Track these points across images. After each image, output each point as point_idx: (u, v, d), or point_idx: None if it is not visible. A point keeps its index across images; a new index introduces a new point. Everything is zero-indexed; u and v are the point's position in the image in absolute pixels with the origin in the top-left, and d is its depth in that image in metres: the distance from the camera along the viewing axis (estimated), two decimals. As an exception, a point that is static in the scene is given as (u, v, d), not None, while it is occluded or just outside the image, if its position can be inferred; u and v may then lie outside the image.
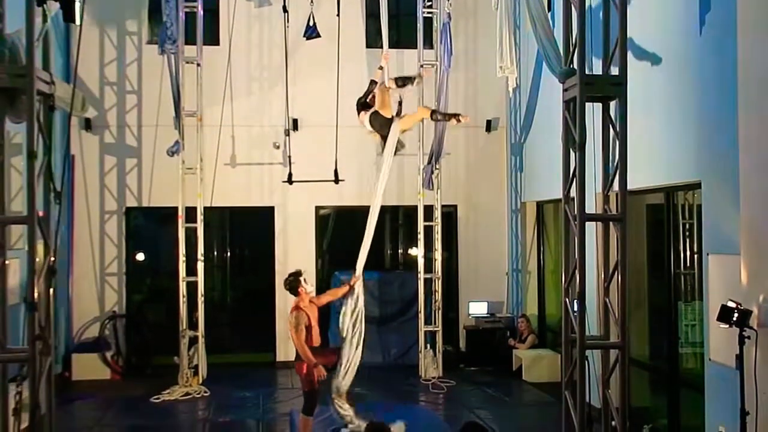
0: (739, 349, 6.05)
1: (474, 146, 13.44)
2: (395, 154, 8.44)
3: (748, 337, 6.02)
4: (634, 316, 8.87)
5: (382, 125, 8.34)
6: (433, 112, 8.81)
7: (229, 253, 13.63)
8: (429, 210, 12.22)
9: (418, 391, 11.21)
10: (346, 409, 8.17)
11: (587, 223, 6.81)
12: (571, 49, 6.94)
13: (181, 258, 11.38)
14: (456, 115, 8.67)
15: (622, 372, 6.76)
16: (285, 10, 11.32)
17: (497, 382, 11.61)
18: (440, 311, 12.17)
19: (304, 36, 11.12)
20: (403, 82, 8.64)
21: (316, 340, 7.98)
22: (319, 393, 8.02)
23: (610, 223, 7.10)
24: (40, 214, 6.43)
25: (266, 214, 12.94)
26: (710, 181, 7.18)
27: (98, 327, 12.19)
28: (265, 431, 8.88)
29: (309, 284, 8.08)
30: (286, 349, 12.55)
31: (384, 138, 8.35)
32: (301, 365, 7.84)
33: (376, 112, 8.34)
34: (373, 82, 8.45)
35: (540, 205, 12.87)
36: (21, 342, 6.41)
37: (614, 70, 6.99)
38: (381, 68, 8.60)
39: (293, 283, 8.00)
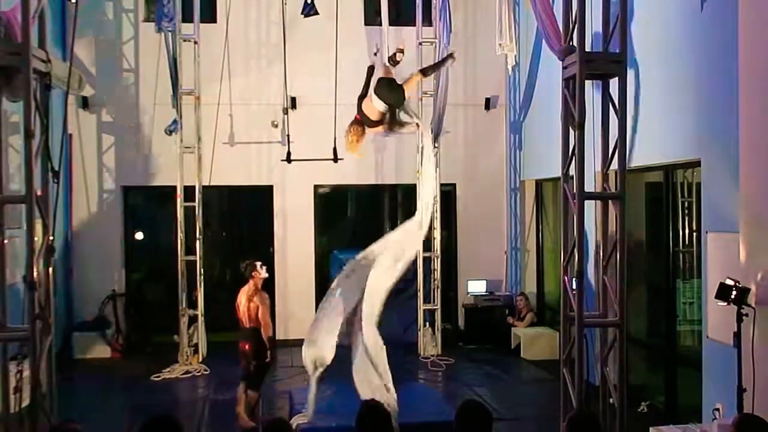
0: (737, 327, 6.08)
1: (473, 124, 13.40)
2: (392, 131, 7.91)
3: (746, 315, 6.04)
4: (632, 294, 8.89)
5: (391, 88, 7.41)
6: (422, 70, 8.12)
7: (227, 232, 13.63)
8: (428, 188, 12.17)
9: (417, 368, 11.26)
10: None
11: (586, 202, 6.80)
12: (570, 27, 6.89)
13: (180, 237, 11.39)
14: (444, 60, 8.44)
15: (621, 350, 6.79)
16: (283, -14, 11.23)
17: (496, 359, 11.66)
18: (439, 290, 12.20)
19: (302, 13, 11.01)
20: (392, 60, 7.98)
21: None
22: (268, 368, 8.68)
23: (609, 201, 7.09)
24: (38, 193, 6.42)
25: (265, 193, 12.93)
26: (710, 159, 7.16)
27: (98, 306, 12.21)
28: (265, 408, 8.91)
29: (264, 271, 8.57)
30: (285, 327, 12.61)
31: (391, 111, 7.37)
32: (245, 343, 8.39)
33: (380, 80, 7.43)
34: (371, 68, 7.71)
35: (539, 184, 12.86)
36: (21, 321, 6.42)
37: (614, 48, 6.94)
38: (376, 54, 8.20)
39: (248, 268, 8.53)
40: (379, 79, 7.41)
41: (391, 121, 7.34)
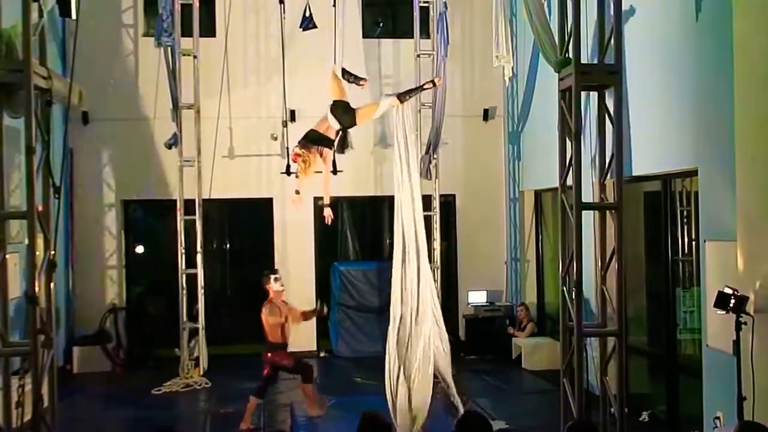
0: (736, 335, 6.09)
1: (472, 135, 13.44)
2: (343, 151, 8.15)
3: (745, 323, 6.05)
4: (632, 303, 8.90)
5: (346, 110, 7.68)
6: (400, 95, 7.88)
7: (228, 245, 13.65)
8: (427, 199, 12.21)
9: (418, 380, 11.21)
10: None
11: (585, 212, 6.83)
12: (566, 38, 6.94)
13: (180, 250, 11.41)
14: (423, 86, 8.56)
15: (620, 359, 6.80)
16: (281, 0, 11.30)
17: (497, 370, 11.65)
18: (439, 300, 12.17)
19: (300, 27, 11.09)
20: (351, 78, 8.30)
21: (283, 338, 8.74)
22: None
23: (607, 211, 7.12)
24: (40, 208, 6.45)
25: (265, 206, 12.96)
26: (707, 168, 7.19)
27: (99, 320, 12.21)
28: (267, 421, 8.92)
29: (279, 284, 8.74)
30: (286, 339, 12.60)
31: (344, 129, 7.70)
32: (276, 354, 8.70)
33: (336, 102, 7.77)
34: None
35: (538, 194, 12.89)
36: (23, 336, 6.44)
37: (610, 59, 6.99)
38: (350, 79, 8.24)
39: (263, 279, 8.78)
40: (336, 101, 7.72)
41: (342, 141, 7.75)
